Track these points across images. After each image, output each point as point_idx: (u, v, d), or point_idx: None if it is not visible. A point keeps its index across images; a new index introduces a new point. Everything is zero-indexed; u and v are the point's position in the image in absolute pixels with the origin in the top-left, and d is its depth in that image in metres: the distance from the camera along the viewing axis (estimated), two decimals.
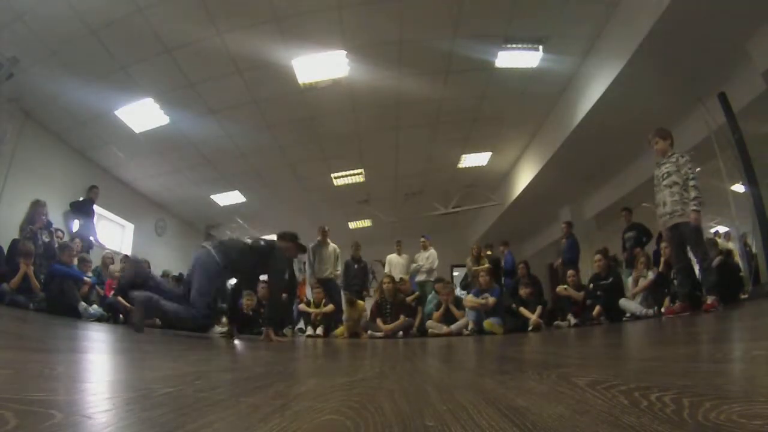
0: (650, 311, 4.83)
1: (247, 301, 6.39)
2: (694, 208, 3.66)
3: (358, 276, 7.48)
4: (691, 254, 3.90)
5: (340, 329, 5.93)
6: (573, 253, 7.32)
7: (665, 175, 3.91)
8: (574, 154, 7.28)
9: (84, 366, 1.26)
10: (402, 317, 5.74)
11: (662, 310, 4.70)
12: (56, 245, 5.93)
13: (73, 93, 6.04)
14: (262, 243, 4.02)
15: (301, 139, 7.85)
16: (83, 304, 4.97)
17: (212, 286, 3.78)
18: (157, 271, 6.93)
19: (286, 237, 4.23)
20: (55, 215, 6.45)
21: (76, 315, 4.83)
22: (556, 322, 5.65)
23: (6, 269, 4.92)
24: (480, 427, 0.49)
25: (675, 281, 4.22)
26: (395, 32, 5.53)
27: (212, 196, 9.89)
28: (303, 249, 4.44)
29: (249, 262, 3.91)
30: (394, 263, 7.59)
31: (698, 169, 3.93)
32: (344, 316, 6.08)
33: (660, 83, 5.53)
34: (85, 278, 5.37)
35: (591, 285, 5.63)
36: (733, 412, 0.46)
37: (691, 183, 3.72)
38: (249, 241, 4.03)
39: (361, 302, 6.33)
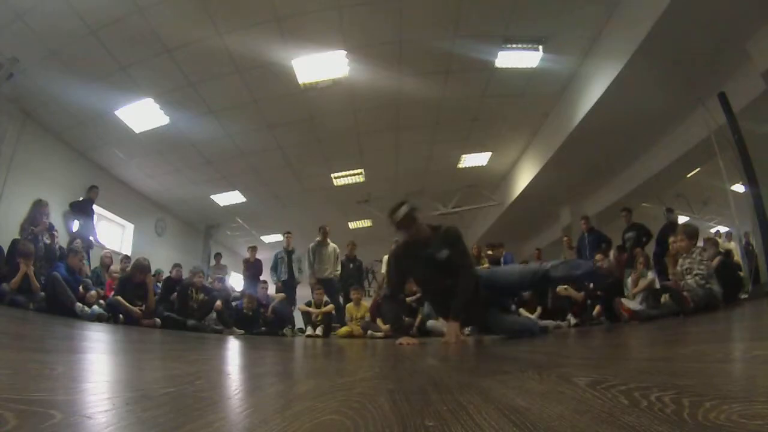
0: (652, 312, 4.82)
1: (246, 303, 6.40)
2: None
3: (354, 275, 7.45)
4: None
5: (344, 329, 5.93)
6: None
7: (687, 271, 4.16)
8: (574, 155, 7.28)
9: (84, 366, 1.26)
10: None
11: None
12: (57, 247, 5.92)
13: (73, 93, 6.04)
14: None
15: (301, 138, 7.86)
16: (79, 305, 4.93)
17: None
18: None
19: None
20: (55, 215, 6.45)
21: (75, 315, 4.81)
22: (556, 322, 5.63)
23: (6, 269, 4.91)
24: (480, 427, 0.49)
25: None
26: (395, 32, 5.54)
27: (212, 196, 9.90)
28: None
29: None
30: None
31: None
32: (347, 316, 6.08)
33: (660, 83, 5.53)
34: (90, 292, 5.18)
35: (591, 285, 5.62)
36: (733, 412, 0.46)
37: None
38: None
39: (365, 303, 6.33)
